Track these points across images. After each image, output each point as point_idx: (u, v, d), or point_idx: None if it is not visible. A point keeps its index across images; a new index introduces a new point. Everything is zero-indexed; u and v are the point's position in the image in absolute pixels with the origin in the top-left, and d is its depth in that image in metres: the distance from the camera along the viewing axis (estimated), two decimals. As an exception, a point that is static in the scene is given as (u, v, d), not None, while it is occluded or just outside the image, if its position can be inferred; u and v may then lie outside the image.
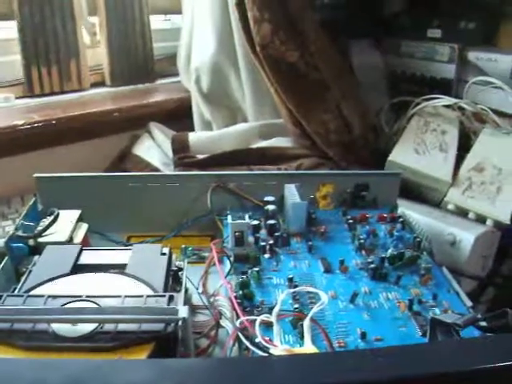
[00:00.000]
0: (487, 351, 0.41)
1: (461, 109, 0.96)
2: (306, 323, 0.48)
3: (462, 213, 0.84)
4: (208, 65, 0.99)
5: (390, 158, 0.88)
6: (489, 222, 0.82)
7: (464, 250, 0.77)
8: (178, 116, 1.13)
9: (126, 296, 0.49)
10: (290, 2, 0.85)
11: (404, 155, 0.88)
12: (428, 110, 0.95)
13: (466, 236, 0.78)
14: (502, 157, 0.87)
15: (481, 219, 0.82)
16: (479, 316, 0.50)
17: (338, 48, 0.96)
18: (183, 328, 0.44)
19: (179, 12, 1.17)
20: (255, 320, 0.48)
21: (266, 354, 0.44)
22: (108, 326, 0.45)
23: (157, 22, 1.32)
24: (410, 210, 0.79)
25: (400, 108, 1.02)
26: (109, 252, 0.59)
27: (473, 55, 1.00)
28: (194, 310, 0.59)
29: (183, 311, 0.44)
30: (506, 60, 0.96)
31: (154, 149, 0.99)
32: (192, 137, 0.96)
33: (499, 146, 0.89)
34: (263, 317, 0.49)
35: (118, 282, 0.54)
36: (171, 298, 0.48)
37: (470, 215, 0.83)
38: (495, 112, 0.94)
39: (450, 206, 0.85)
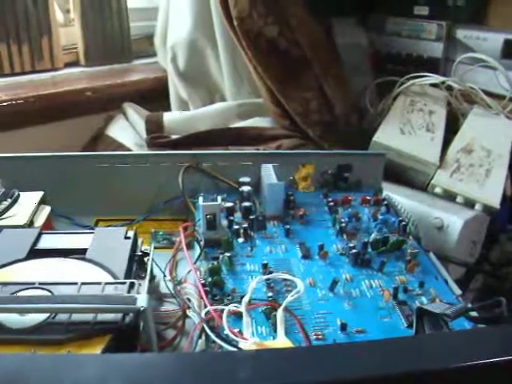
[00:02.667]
0: (481, 345, 0.37)
1: (449, 89, 0.93)
2: (280, 314, 0.44)
3: (449, 196, 0.81)
4: (184, 42, 0.95)
5: (375, 138, 0.84)
6: (477, 207, 0.78)
7: (452, 234, 0.74)
8: (154, 96, 1.08)
9: (82, 283, 0.44)
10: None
11: (389, 136, 0.84)
12: (414, 89, 0.91)
13: (455, 220, 0.75)
14: (491, 138, 0.84)
15: (469, 203, 0.79)
16: (470, 306, 0.46)
17: (322, 26, 0.91)
18: (144, 318, 0.40)
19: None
20: (224, 310, 0.44)
21: (233, 348, 0.39)
22: (61, 317, 0.41)
23: (135, 0, 1.26)
24: (395, 193, 0.75)
25: (385, 88, 0.98)
26: (70, 236, 0.54)
27: (461, 33, 0.97)
28: (161, 298, 0.54)
29: (142, 300, 0.40)
30: (497, 38, 0.93)
31: (128, 129, 0.94)
32: (167, 117, 0.91)
33: (488, 128, 0.86)
34: (232, 306, 0.44)
35: (76, 268, 0.49)
36: (132, 286, 0.44)
37: (458, 199, 0.80)
38: (484, 92, 0.91)
39: (438, 190, 0.81)
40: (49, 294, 0.43)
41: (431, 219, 0.76)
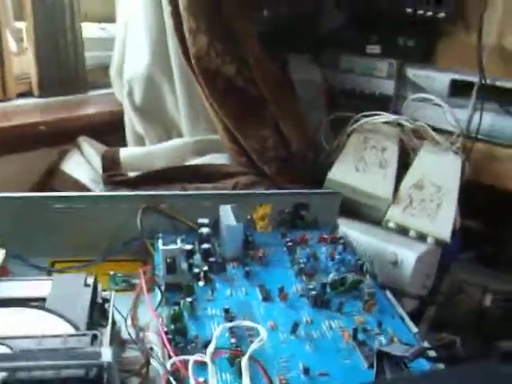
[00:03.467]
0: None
1: (400, 125, 0.95)
2: (244, 362, 0.44)
3: (402, 231, 0.83)
4: (141, 76, 0.94)
5: (330, 175, 0.85)
6: (429, 240, 0.81)
7: (406, 269, 0.76)
8: (110, 130, 1.07)
9: (43, 336, 0.43)
10: (227, 13, 0.81)
11: (344, 172, 0.86)
12: (367, 127, 0.93)
13: (408, 255, 0.77)
14: (440, 174, 0.87)
15: (421, 237, 0.81)
16: (427, 346, 0.47)
17: (277, 63, 0.93)
18: (108, 372, 0.40)
19: (114, 21, 1.11)
20: (188, 360, 0.44)
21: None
22: (21, 374, 0.39)
23: (92, 30, 1.26)
24: (350, 229, 0.76)
25: (340, 124, 1.00)
26: (27, 283, 0.53)
27: (411, 72, 1.00)
28: (123, 345, 0.54)
29: (107, 354, 0.39)
30: (444, 78, 0.96)
31: (84, 165, 0.93)
32: (123, 153, 0.91)
33: (438, 164, 0.89)
34: (197, 356, 0.44)
35: (36, 318, 0.48)
36: (95, 338, 0.43)
37: (411, 233, 0.82)
38: (434, 129, 0.94)
39: (391, 224, 0.84)
40: (7, 349, 0.42)
41: (386, 254, 0.77)
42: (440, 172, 0.88)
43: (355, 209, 0.85)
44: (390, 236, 0.82)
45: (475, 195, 0.90)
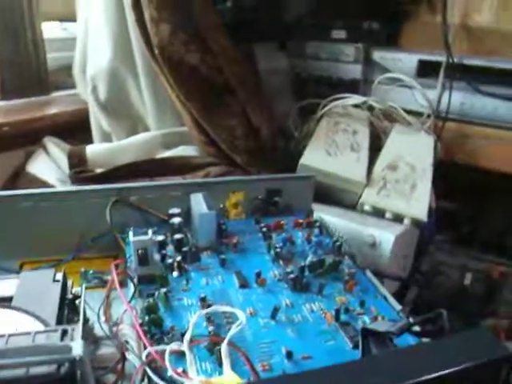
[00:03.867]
0: (430, 359, 0.37)
1: (370, 109, 0.95)
2: (224, 348, 0.42)
3: (378, 213, 0.82)
4: (104, 72, 0.92)
5: (302, 161, 0.84)
6: (406, 221, 0.80)
7: (385, 250, 0.76)
8: (75, 129, 1.04)
9: (10, 335, 0.41)
10: (189, 0, 0.79)
11: (315, 157, 0.85)
12: (337, 111, 0.92)
13: (386, 236, 0.76)
14: (414, 154, 0.87)
15: (398, 218, 0.80)
16: (412, 321, 0.46)
17: (242, 52, 0.91)
18: (80, 367, 0.38)
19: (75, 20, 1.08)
20: (164, 350, 0.42)
21: (179, 390, 0.38)
22: (-13, 375, 0.37)
23: (53, 30, 1.22)
24: (325, 214, 0.75)
25: (308, 111, 0.99)
26: (-8, 283, 0.51)
27: (378, 55, 1.00)
28: (97, 341, 0.52)
29: (77, 348, 0.37)
30: (411, 59, 0.96)
31: (50, 165, 0.90)
32: (89, 150, 0.88)
33: (410, 144, 0.89)
34: (174, 345, 0.42)
35: (2, 317, 0.46)
36: (64, 333, 0.41)
37: (387, 215, 0.82)
38: (403, 110, 0.94)
39: (367, 207, 0.83)
40: (-29, 350, 0.40)
41: (363, 237, 0.77)
42: (413, 152, 0.87)
43: (329, 194, 0.84)
44: (366, 219, 0.81)
45: (448, 176, 0.90)
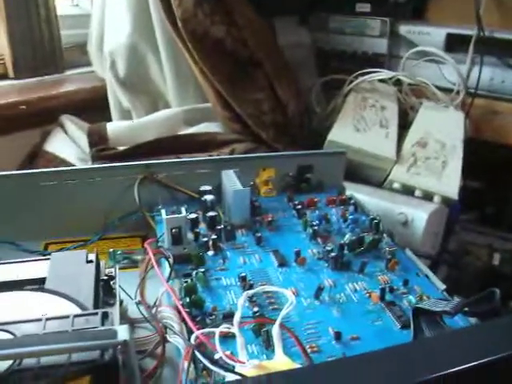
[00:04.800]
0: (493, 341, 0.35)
1: (395, 84, 0.92)
2: (276, 330, 0.40)
3: (408, 191, 0.79)
4: (124, 47, 0.89)
5: (330, 137, 0.81)
6: (436, 199, 0.77)
7: (417, 228, 0.73)
8: (92, 107, 1.02)
9: (47, 319, 0.38)
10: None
11: (344, 133, 0.82)
12: (365, 86, 0.89)
13: (419, 214, 0.74)
14: (444, 131, 0.84)
15: (427, 196, 0.78)
16: (468, 299, 0.44)
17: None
18: (124, 352, 0.35)
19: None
20: (211, 332, 0.40)
21: (232, 375, 0.35)
22: (28, 361, 0.35)
23: (64, 7, 1.19)
24: (354, 192, 0.73)
25: (331, 87, 0.96)
26: (22, 265, 0.48)
27: (404, 29, 0.96)
28: (132, 324, 0.49)
29: (123, 332, 0.35)
30: (439, 33, 0.93)
31: (69, 144, 0.87)
32: (110, 127, 0.85)
33: (440, 120, 0.86)
34: (223, 328, 0.40)
35: (36, 301, 0.43)
36: (105, 316, 0.39)
37: (417, 193, 0.79)
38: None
39: (396, 185, 0.80)
40: (10, 335, 0.37)
41: (395, 215, 0.74)
42: (443, 129, 0.84)
43: (356, 171, 0.82)
44: (395, 196, 0.79)
45: (475, 153, 0.87)
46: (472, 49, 0.89)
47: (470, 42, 0.89)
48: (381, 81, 0.91)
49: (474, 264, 0.91)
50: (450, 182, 0.79)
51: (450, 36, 0.92)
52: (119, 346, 0.35)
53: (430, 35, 0.94)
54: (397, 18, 0.97)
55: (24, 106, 0.93)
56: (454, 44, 0.92)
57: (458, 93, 0.90)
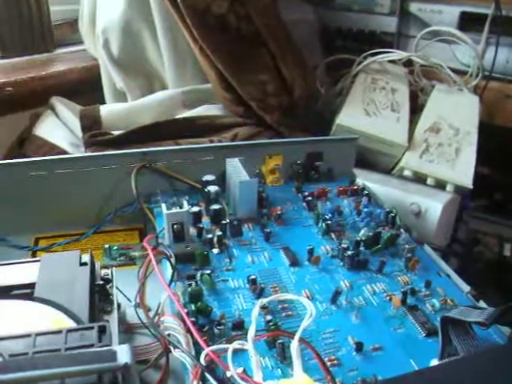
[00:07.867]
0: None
1: (406, 65, 0.87)
2: (295, 347, 0.36)
3: (419, 178, 0.75)
4: (118, 24, 0.83)
5: (338, 121, 0.76)
6: (449, 188, 0.73)
7: (432, 219, 0.70)
8: (83, 89, 0.97)
9: (37, 334, 0.34)
10: None
11: (353, 117, 0.77)
12: (375, 67, 0.84)
13: (433, 205, 0.70)
14: (457, 116, 0.80)
15: (440, 184, 0.74)
16: (503, 308, 0.40)
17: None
18: (125, 378, 0.31)
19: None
20: (221, 349, 0.35)
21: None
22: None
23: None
24: (362, 179, 0.68)
25: (336, 67, 0.91)
26: (9, 268, 0.43)
27: (415, 6, 0.91)
28: (130, 331, 0.45)
29: (124, 354, 0.30)
30: (452, 11, 0.88)
31: (59, 128, 0.82)
32: (104, 110, 0.80)
33: (454, 104, 0.82)
34: (236, 344, 0.35)
35: (24, 310, 0.39)
36: (102, 330, 0.34)
37: (429, 181, 0.75)
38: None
39: (407, 172, 0.76)
40: (-5, 355, 0.33)
41: (407, 205, 0.70)
42: (457, 113, 0.80)
43: (365, 156, 0.77)
44: (406, 185, 0.75)
45: (484, 138, 0.83)
46: (487, 28, 0.85)
47: (485, 21, 0.84)
48: (390, 61, 0.87)
49: (485, 255, 0.88)
50: (463, 170, 0.74)
51: (463, 14, 0.87)
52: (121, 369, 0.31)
53: (443, 14, 0.89)
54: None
55: (11, 88, 0.87)
56: (468, 23, 0.87)
57: (471, 75, 0.85)
